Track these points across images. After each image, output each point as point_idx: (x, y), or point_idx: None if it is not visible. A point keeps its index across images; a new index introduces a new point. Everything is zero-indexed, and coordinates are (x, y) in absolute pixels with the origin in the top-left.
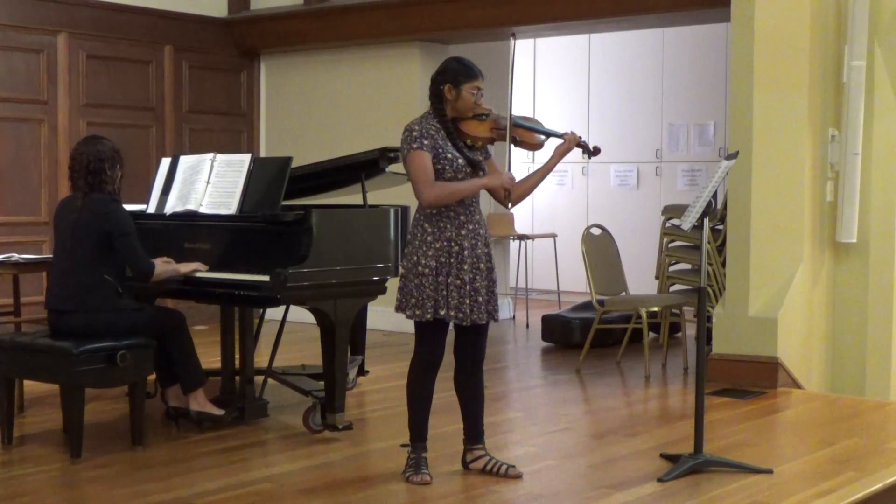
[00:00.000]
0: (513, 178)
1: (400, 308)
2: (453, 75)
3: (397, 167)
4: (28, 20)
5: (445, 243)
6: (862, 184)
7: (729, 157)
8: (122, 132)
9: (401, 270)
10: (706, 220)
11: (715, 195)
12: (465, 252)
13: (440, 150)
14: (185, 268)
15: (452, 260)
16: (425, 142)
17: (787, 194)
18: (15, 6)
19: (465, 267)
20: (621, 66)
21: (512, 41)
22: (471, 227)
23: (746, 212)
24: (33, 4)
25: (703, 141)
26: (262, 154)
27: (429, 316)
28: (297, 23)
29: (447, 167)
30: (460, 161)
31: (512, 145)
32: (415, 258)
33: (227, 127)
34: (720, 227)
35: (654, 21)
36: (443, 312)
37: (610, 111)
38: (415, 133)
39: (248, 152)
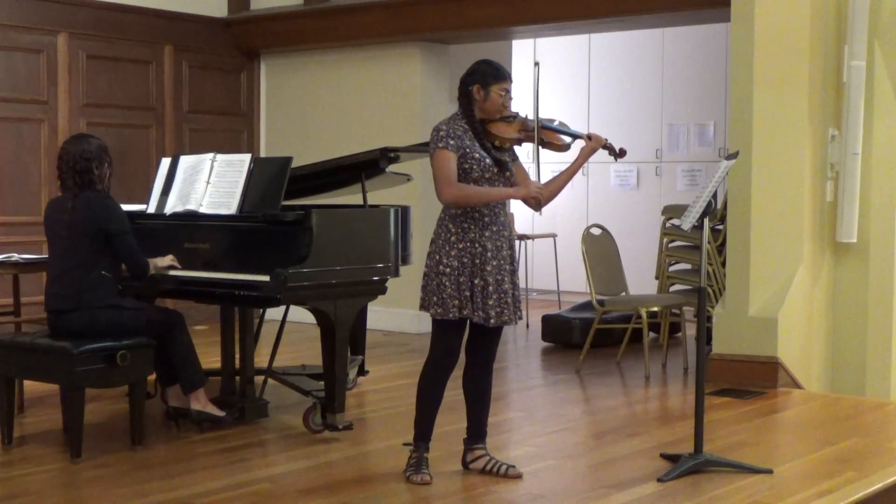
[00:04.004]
0: (540, 187)
1: (423, 306)
2: (482, 77)
3: (397, 167)
4: (28, 20)
5: (469, 244)
6: (862, 184)
7: (729, 157)
8: (122, 132)
9: (424, 269)
10: (706, 220)
11: (715, 195)
12: (489, 253)
13: (467, 150)
14: (161, 262)
15: (477, 261)
16: (451, 142)
17: (787, 194)
18: (15, 6)
19: (489, 268)
20: (621, 66)
21: (536, 70)
22: (495, 228)
23: (746, 212)
24: (33, 4)
25: (703, 141)
26: (262, 154)
27: (451, 315)
28: (297, 23)
29: (474, 167)
30: (487, 161)
31: (539, 147)
32: (437, 257)
33: (227, 127)
34: (720, 227)
35: (654, 21)
36: (466, 312)
37: (610, 111)
38: (441, 133)
39: (248, 152)
